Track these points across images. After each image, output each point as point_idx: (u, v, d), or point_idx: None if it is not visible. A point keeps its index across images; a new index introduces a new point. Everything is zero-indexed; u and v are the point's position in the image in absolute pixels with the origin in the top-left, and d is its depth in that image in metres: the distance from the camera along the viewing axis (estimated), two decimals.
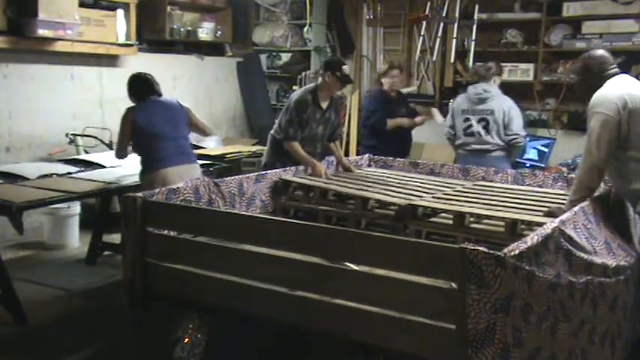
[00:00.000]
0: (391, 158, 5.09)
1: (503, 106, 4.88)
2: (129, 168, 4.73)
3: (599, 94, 3.22)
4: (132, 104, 4.29)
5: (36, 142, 5.71)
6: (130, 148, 4.28)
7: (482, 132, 4.91)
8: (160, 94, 4.31)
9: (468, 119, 4.98)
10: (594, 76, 3.31)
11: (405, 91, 7.43)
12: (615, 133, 3.14)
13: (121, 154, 4.32)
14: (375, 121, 5.36)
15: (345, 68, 4.48)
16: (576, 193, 3.25)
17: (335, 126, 4.66)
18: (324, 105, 4.49)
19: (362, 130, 5.99)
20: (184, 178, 3.73)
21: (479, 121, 4.93)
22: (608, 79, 3.28)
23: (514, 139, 4.86)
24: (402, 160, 5.07)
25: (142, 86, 4.27)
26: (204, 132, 4.60)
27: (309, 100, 4.41)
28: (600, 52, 3.42)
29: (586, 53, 3.47)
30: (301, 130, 4.40)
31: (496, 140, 4.88)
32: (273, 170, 4.23)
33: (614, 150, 3.17)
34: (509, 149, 4.94)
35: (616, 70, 3.34)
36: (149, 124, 4.12)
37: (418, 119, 5.60)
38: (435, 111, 5.88)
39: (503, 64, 6.54)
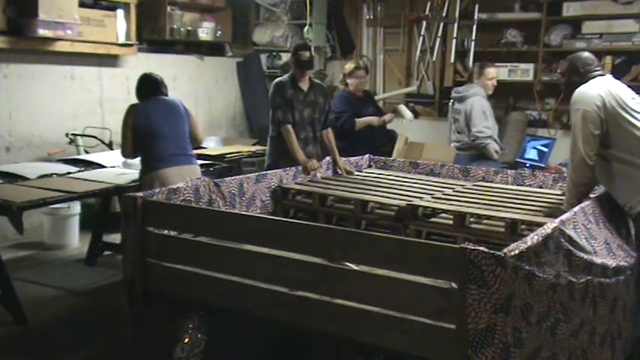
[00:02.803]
0: (391, 158, 5.11)
1: (466, 107, 5.08)
2: (129, 168, 4.73)
3: (578, 92, 3.32)
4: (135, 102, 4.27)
5: (36, 142, 5.71)
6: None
7: (456, 131, 5.24)
8: (165, 95, 4.29)
9: (451, 120, 5.36)
10: (579, 77, 3.40)
11: (405, 91, 7.47)
12: (596, 126, 3.20)
13: (126, 154, 4.27)
14: (344, 122, 5.25)
15: (303, 53, 4.48)
16: (571, 192, 3.28)
17: (326, 111, 4.68)
18: (304, 87, 4.55)
19: None
20: (184, 179, 3.71)
21: (454, 122, 5.27)
22: (592, 79, 3.36)
23: (474, 139, 5.06)
24: (402, 160, 5.09)
25: (147, 86, 4.25)
26: (195, 139, 4.38)
27: (287, 81, 4.52)
28: (586, 54, 3.53)
29: (572, 55, 3.57)
30: (291, 112, 4.44)
31: (466, 139, 5.15)
32: (274, 170, 4.23)
33: (598, 144, 3.22)
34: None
35: (601, 72, 3.44)
36: (148, 123, 4.09)
37: (387, 117, 5.56)
38: (402, 107, 5.90)
39: (503, 64, 6.62)
